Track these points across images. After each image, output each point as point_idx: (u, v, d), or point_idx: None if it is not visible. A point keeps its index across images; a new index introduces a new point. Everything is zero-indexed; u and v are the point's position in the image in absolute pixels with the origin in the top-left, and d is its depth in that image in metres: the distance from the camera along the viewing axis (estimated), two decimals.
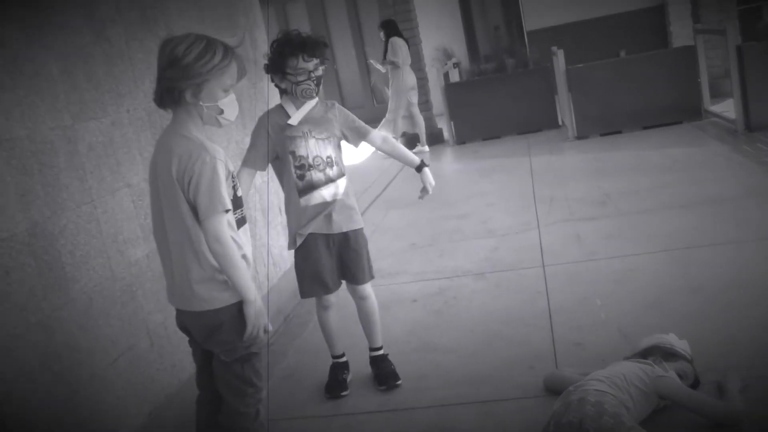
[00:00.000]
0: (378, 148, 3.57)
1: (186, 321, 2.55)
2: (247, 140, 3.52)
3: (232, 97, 2.46)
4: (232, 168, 2.47)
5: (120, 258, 3.22)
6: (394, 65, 9.95)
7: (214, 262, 2.41)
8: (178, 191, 2.36)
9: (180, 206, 2.38)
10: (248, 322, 2.43)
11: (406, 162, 3.60)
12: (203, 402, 2.72)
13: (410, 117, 10.30)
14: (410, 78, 10.17)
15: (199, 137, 2.40)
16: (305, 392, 3.64)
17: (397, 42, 9.99)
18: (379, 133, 3.58)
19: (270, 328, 2.51)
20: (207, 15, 4.56)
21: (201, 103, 2.38)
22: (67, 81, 3.04)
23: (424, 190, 3.58)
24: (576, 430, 2.47)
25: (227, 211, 2.37)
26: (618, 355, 3.20)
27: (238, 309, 2.45)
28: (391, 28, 10.14)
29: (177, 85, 2.33)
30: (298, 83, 3.24)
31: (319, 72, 3.28)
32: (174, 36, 2.39)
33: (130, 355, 3.19)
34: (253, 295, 2.43)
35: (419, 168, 3.57)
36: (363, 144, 3.50)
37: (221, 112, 2.43)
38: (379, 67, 10.36)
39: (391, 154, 3.61)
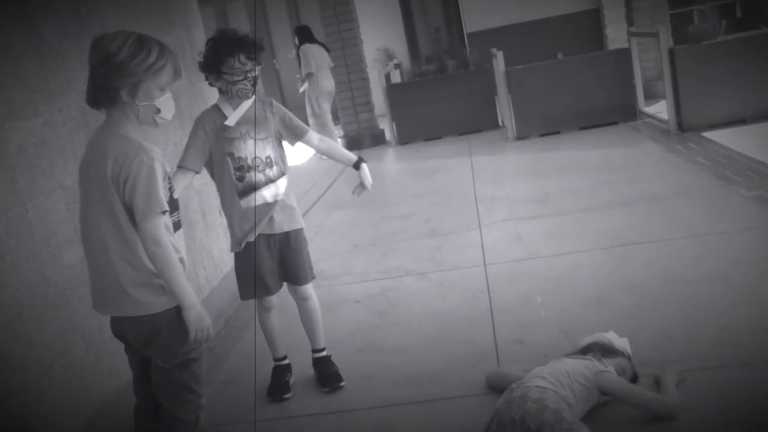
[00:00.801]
0: (315, 149, 3.55)
1: (121, 327, 2.47)
2: (185, 141, 3.44)
3: (168, 95, 2.40)
4: (168, 169, 2.41)
5: (53, 262, 3.12)
6: (308, 75, 9.90)
7: (150, 266, 2.34)
8: (112, 192, 2.29)
9: (114, 208, 2.31)
10: (190, 328, 2.37)
11: (343, 161, 3.59)
12: (141, 410, 2.65)
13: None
14: (327, 83, 10.09)
15: (136, 137, 2.34)
16: (248, 396, 3.58)
17: (307, 49, 9.91)
18: (316, 133, 3.55)
19: (213, 332, 2.45)
20: (143, 12, 4.47)
21: (137, 102, 2.32)
22: None
23: (360, 185, 3.56)
24: (518, 427, 2.49)
25: (164, 212, 2.31)
26: (559, 351, 3.24)
27: (177, 314, 2.39)
28: (302, 35, 10.08)
29: (112, 84, 2.27)
30: (234, 83, 3.18)
31: (255, 72, 3.23)
32: (106, 33, 2.32)
33: (65, 362, 3.09)
34: (192, 299, 2.36)
35: (357, 165, 3.54)
36: (299, 144, 3.48)
37: (158, 111, 2.37)
38: (300, 86, 10.26)
39: (329, 154, 3.60)
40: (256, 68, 3.23)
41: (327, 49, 10.18)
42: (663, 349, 3.27)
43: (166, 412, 2.52)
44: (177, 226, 2.46)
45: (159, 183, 2.29)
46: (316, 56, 9.91)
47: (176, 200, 2.47)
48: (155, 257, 2.29)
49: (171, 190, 2.41)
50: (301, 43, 10.03)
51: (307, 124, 3.74)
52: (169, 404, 2.50)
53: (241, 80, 3.18)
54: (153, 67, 2.29)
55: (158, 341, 2.40)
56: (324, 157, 3.73)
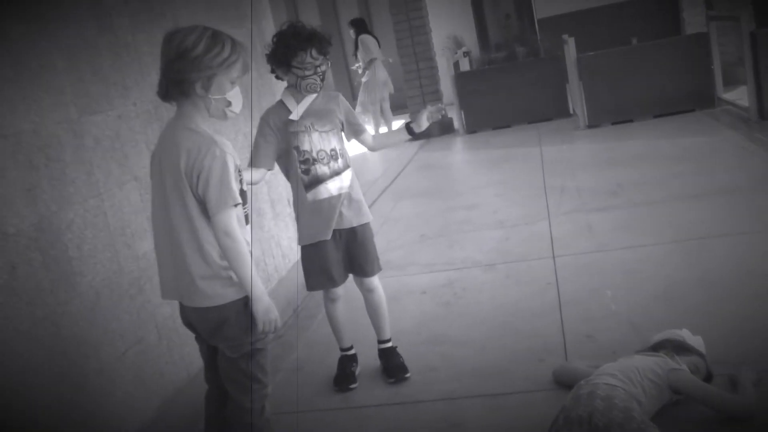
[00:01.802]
0: (369, 148, 3.59)
1: (190, 317, 2.53)
2: (254, 132, 3.49)
3: (237, 89, 2.45)
4: (239, 162, 2.45)
5: (128, 251, 3.21)
6: (370, 62, 10.44)
7: (218, 259, 2.39)
8: (185, 186, 2.34)
9: (186, 201, 2.36)
10: (258, 319, 2.41)
11: (396, 140, 3.67)
12: (212, 397, 2.72)
13: (382, 111, 10.79)
14: (382, 73, 10.64)
15: (207, 131, 2.39)
16: (314, 385, 3.63)
17: (366, 39, 10.46)
18: (369, 134, 3.56)
19: (279, 324, 2.48)
20: (214, 4, 4.54)
21: (210, 95, 2.37)
22: (73, 74, 3.02)
23: (438, 110, 3.50)
24: (585, 424, 2.45)
25: (237, 205, 2.36)
26: (628, 347, 3.17)
27: (244, 305, 2.44)
28: (359, 27, 10.67)
29: (186, 77, 2.31)
30: (304, 77, 3.20)
31: (324, 67, 3.25)
32: (180, 28, 2.37)
33: (138, 349, 3.19)
34: (260, 291, 2.41)
35: (409, 129, 3.51)
36: (354, 141, 3.50)
37: (229, 104, 2.42)
38: (359, 70, 10.87)
39: (383, 146, 3.69)
40: (325, 63, 3.25)
41: (378, 42, 10.69)
42: (739, 347, 3.16)
43: (233, 400, 2.57)
44: (246, 219, 2.50)
45: (232, 176, 2.33)
46: (374, 46, 10.45)
47: (245, 193, 2.51)
48: (227, 249, 2.34)
49: (241, 182, 2.45)
50: (359, 34, 10.58)
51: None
52: (235, 393, 2.55)
53: (311, 75, 3.20)
54: (226, 62, 2.34)
55: (225, 332, 2.45)
56: (381, 150, 3.75)
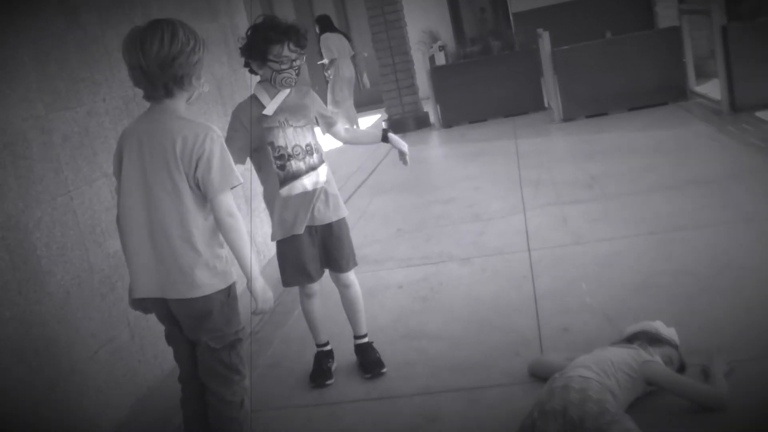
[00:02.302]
0: (341, 140, 3.58)
1: (174, 310, 2.50)
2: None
3: None
4: None
5: (98, 250, 3.17)
6: (332, 62, 10.55)
7: (206, 247, 2.41)
8: (180, 173, 2.35)
9: (180, 189, 2.37)
10: (256, 299, 2.46)
11: (370, 140, 3.62)
12: (188, 401, 2.69)
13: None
14: (347, 70, 10.67)
15: (196, 118, 2.45)
16: (290, 381, 3.61)
17: (327, 39, 10.48)
18: (343, 125, 3.55)
19: (273, 303, 2.53)
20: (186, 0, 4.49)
21: (201, 83, 2.46)
22: (40, 69, 2.97)
23: (401, 154, 3.52)
24: (560, 417, 2.45)
25: (236, 186, 2.42)
26: (604, 339, 3.18)
27: (227, 295, 2.47)
28: (323, 24, 10.65)
29: (187, 72, 2.37)
30: (280, 71, 3.16)
31: (300, 62, 3.22)
32: (141, 27, 2.36)
33: (111, 348, 3.15)
34: (257, 271, 2.45)
35: (385, 138, 3.52)
36: (327, 135, 3.49)
37: (204, 85, 2.52)
38: (325, 68, 10.92)
39: (355, 141, 3.66)
40: (301, 58, 3.22)
41: (348, 38, 10.71)
42: (712, 338, 3.19)
43: (213, 394, 2.57)
44: None
45: (231, 158, 2.39)
46: (337, 44, 10.42)
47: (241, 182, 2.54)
48: (230, 228, 2.38)
49: None
50: (322, 32, 10.56)
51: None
52: (216, 386, 2.55)
53: (287, 69, 3.17)
54: (204, 49, 2.42)
55: (210, 323, 2.46)
56: (351, 145, 3.73)
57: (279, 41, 3.12)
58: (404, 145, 3.52)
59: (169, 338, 2.64)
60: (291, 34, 3.14)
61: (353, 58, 10.74)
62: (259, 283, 2.47)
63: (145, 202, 2.40)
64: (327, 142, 3.58)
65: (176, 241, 2.39)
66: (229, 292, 2.49)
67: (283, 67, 3.15)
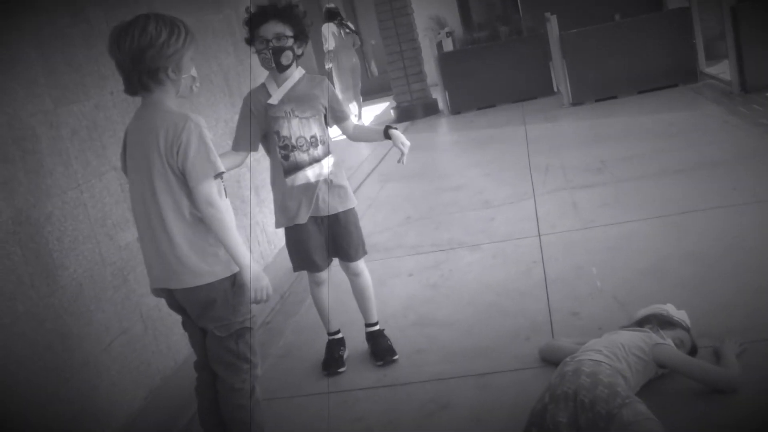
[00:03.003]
0: (348, 136, 3.53)
1: (179, 299, 2.53)
2: (236, 118, 3.46)
3: (194, 66, 2.53)
4: (211, 136, 2.48)
5: (109, 242, 3.19)
6: (328, 53, 10.79)
7: (202, 234, 2.41)
8: (166, 165, 2.36)
9: (170, 180, 2.38)
10: (249, 288, 2.44)
11: (375, 138, 3.50)
12: (203, 389, 2.71)
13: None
14: (347, 61, 10.87)
15: (179, 109, 2.44)
16: (302, 370, 3.62)
17: (324, 30, 10.72)
18: (352, 122, 3.52)
19: (271, 291, 2.50)
20: None
21: (181, 76, 2.43)
22: (46, 65, 2.98)
23: (402, 155, 3.40)
24: (571, 401, 2.45)
25: (218, 175, 2.40)
26: (614, 323, 3.18)
27: (231, 283, 2.48)
28: (327, 16, 10.88)
29: (160, 64, 2.36)
30: (259, 52, 3.17)
31: (283, 42, 3.14)
32: (123, 22, 2.38)
33: (124, 340, 3.17)
34: (248, 259, 2.43)
35: (387, 134, 3.40)
36: (336, 128, 3.47)
37: (194, 80, 2.51)
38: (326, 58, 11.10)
39: (361, 138, 3.60)
40: (285, 39, 3.14)
41: (352, 29, 10.97)
42: (723, 319, 3.18)
43: (222, 382, 2.59)
44: (224, 192, 2.53)
45: (211, 147, 2.38)
46: (334, 35, 10.66)
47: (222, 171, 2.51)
48: (211, 218, 2.37)
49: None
50: (325, 22, 10.86)
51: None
52: (225, 374, 2.57)
53: (263, 49, 3.15)
54: (186, 41, 2.41)
55: (214, 311, 2.47)
56: (358, 142, 3.69)
57: (256, 24, 3.13)
58: (405, 145, 3.35)
59: (184, 325, 2.67)
60: (266, 14, 3.13)
61: (359, 47, 10.83)
62: (252, 272, 2.44)
63: (146, 195, 2.43)
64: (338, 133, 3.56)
65: (174, 231, 2.40)
66: (234, 280, 2.49)
67: (260, 47, 3.15)
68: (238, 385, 2.58)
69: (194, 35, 2.48)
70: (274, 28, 3.13)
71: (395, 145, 3.39)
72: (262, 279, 2.47)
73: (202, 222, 2.41)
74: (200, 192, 2.35)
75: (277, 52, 3.15)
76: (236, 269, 2.47)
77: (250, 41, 3.20)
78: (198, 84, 2.54)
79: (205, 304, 2.47)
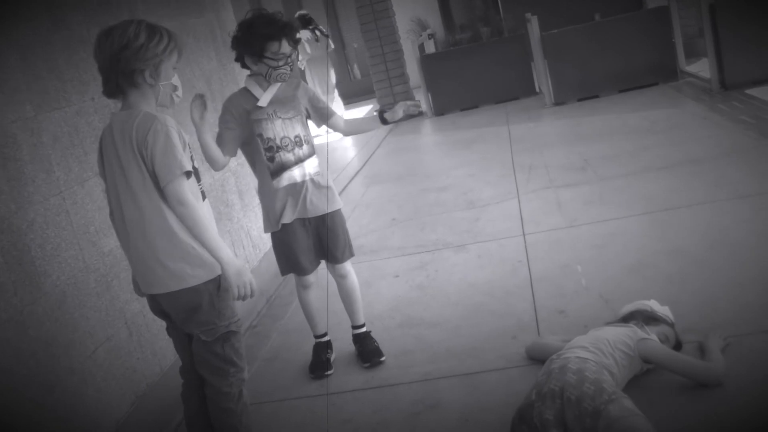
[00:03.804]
0: (340, 131, 3.53)
1: (164, 304, 2.52)
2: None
3: (176, 75, 2.51)
4: (187, 139, 2.47)
5: (93, 249, 3.17)
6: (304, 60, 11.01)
7: (185, 238, 2.39)
8: (142, 167, 2.35)
9: (146, 182, 2.37)
10: (231, 284, 2.41)
11: (371, 126, 3.54)
12: (189, 395, 2.70)
13: None
14: (320, 66, 11.01)
15: (149, 111, 2.42)
16: (290, 373, 3.62)
17: (302, 36, 10.86)
18: (341, 117, 3.52)
19: (255, 287, 2.46)
20: None
21: (159, 82, 2.41)
22: (27, 71, 2.96)
23: (416, 106, 3.37)
24: (558, 398, 2.46)
25: (188, 173, 2.38)
26: (600, 320, 3.20)
27: (216, 287, 2.47)
28: (303, 23, 10.96)
29: (136, 67, 2.35)
30: (276, 68, 3.17)
31: (294, 56, 3.24)
32: (111, 25, 2.38)
33: (109, 346, 3.15)
34: (228, 255, 2.41)
35: (383, 119, 3.43)
36: (324, 127, 3.47)
37: (175, 89, 2.49)
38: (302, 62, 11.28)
39: (356, 131, 3.60)
40: (295, 52, 3.22)
41: (325, 34, 11.06)
42: (707, 314, 3.21)
43: (210, 386, 2.58)
44: (202, 195, 2.52)
45: (175, 146, 2.35)
46: (310, 42, 10.77)
47: (197, 170, 2.52)
48: (184, 217, 2.36)
49: (192, 159, 2.47)
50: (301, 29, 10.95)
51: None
52: (212, 378, 2.57)
53: (283, 65, 3.17)
54: (167, 48, 2.40)
55: (199, 316, 2.46)
56: (353, 135, 3.68)
57: (276, 38, 3.13)
58: (400, 108, 3.37)
59: (168, 331, 2.67)
60: (287, 30, 3.15)
61: (332, 51, 11.04)
62: (233, 267, 2.40)
63: (123, 200, 2.42)
64: (319, 134, 3.55)
65: (153, 235, 2.39)
66: (219, 283, 2.47)
67: (280, 63, 3.16)
68: (225, 389, 2.58)
69: (181, 47, 2.47)
70: (291, 43, 3.17)
71: (398, 114, 3.37)
72: (245, 274, 2.43)
73: (183, 224, 2.39)
74: (170, 191, 2.34)
75: (293, 65, 3.22)
76: (219, 272, 2.45)
77: (253, 52, 3.16)
78: (180, 94, 2.52)
79: (190, 308, 2.46)
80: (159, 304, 2.55)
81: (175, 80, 2.49)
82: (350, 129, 3.57)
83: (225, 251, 2.40)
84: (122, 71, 2.34)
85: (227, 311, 2.52)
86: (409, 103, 3.40)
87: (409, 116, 3.46)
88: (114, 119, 2.46)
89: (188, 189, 2.38)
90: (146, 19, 2.43)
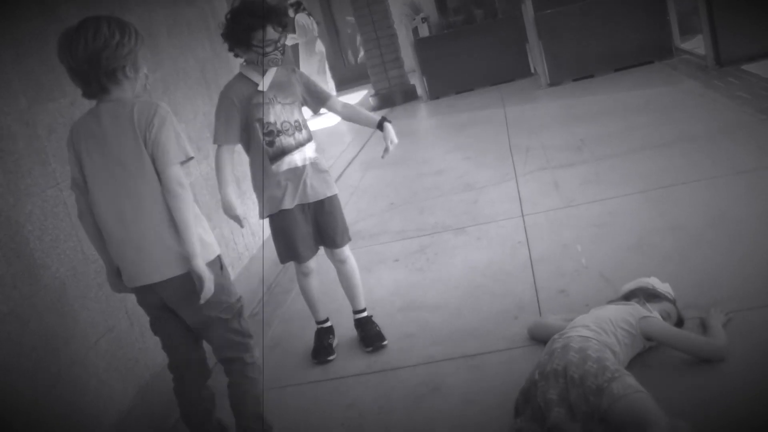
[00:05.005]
0: (339, 114, 3.50)
1: (167, 293, 2.47)
2: (213, 111, 3.42)
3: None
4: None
5: None
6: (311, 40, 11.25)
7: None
8: (143, 153, 2.35)
9: (146, 170, 2.37)
10: (201, 276, 2.37)
11: (367, 123, 3.53)
12: (183, 387, 2.70)
13: None
14: (312, 48, 11.29)
15: (144, 98, 2.45)
16: (292, 360, 3.62)
17: (299, 20, 11.08)
18: (339, 99, 3.50)
19: (212, 289, 2.43)
20: None
21: (137, 75, 2.44)
22: (20, 63, 2.94)
23: (385, 149, 3.44)
24: (561, 377, 2.47)
25: (189, 159, 2.43)
26: (601, 299, 3.20)
27: (219, 266, 2.52)
28: (296, 8, 11.27)
29: (117, 64, 2.36)
30: (266, 54, 3.15)
31: (284, 40, 3.21)
32: (71, 27, 2.35)
33: (110, 337, 3.15)
34: (198, 248, 2.38)
35: (381, 126, 3.45)
36: (322, 110, 3.46)
37: (147, 78, 2.52)
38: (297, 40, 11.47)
39: (352, 119, 3.55)
40: (285, 35, 3.21)
41: (312, 18, 11.42)
42: (708, 290, 3.21)
43: (235, 363, 2.63)
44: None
45: (180, 133, 2.40)
46: (308, 24, 11.08)
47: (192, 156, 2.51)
48: (178, 197, 2.36)
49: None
50: (295, 12, 11.22)
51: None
52: (237, 354, 2.62)
53: (272, 51, 3.15)
54: (137, 40, 2.42)
55: (214, 295, 2.45)
56: (348, 122, 3.65)
57: (260, 26, 3.10)
58: (394, 142, 3.43)
59: (157, 326, 2.63)
60: (271, 16, 3.11)
61: (360, 28, 11.01)
62: (201, 264, 2.38)
63: (117, 194, 2.39)
64: (315, 122, 3.54)
65: (159, 221, 2.39)
66: (221, 263, 2.53)
67: (268, 50, 3.14)
68: (249, 360, 2.65)
69: (143, 36, 2.48)
70: (278, 28, 3.15)
71: (385, 139, 3.41)
72: (208, 272, 2.42)
73: (178, 206, 2.38)
74: (173, 173, 2.36)
75: (284, 50, 3.22)
76: (218, 251, 2.50)
77: (240, 41, 3.15)
78: (150, 81, 2.56)
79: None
80: (155, 296, 2.51)
81: (146, 69, 2.52)
82: (348, 114, 3.53)
83: (197, 244, 2.39)
84: (104, 71, 2.34)
85: (232, 288, 2.59)
86: (391, 144, 3.42)
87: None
88: (95, 115, 2.42)
89: (186, 175, 2.43)
90: (106, 14, 2.42)
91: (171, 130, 2.37)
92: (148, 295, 2.53)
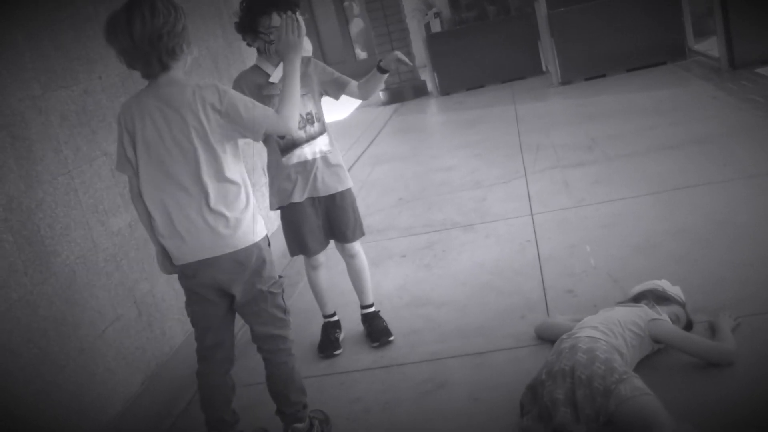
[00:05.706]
0: (358, 97, 3.44)
1: (221, 271, 2.48)
2: None
3: None
4: None
5: (101, 228, 3.17)
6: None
7: (249, 196, 2.49)
8: (207, 129, 2.37)
9: (212, 146, 2.39)
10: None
11: (378, 82, 3.40)
12: (209, 368, 2.67)
13: None
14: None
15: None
16: (298, 353, 3.56)
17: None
18: (354, 82, 3.45)
19: None
20: None
21: (190, 48, 2.46)
22: (34, 49, 2.94)
23: (399, 62, 3.28)
24: (568, 377, 2.46)
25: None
26: (609, 300, 3.20)
27: (267, 243, 2.57)
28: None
29: (177, 42, 2.38)
30: (271, 42, 3.13)
31: None
32: (120, 10, 2.33)
33: (119, 326, 3.16)
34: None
35: (380, 69, 3.32)
36: (343, 96, 3.41)
37: (191, 53, 2.52)
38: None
39: (369, 92, 3.41)
40: None
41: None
42: (717, 294, 3.20)
43: (275, 340, 2.66)
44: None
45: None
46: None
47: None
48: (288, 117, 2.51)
49: None
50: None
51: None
52: (278, 331, 2.66)
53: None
54: (185, 15, 2.42)
55: (265, 270, 2.53)
56: (365, 99, 3.57)
57: (265, 12, 3.08)
58: (394, 57, 3.29)
59: (195, 306, 2.59)
60: (275, 4, 3.09)
61: (372, 22, 10.86)
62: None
63: (176, 171, 2.40)
64: (330, 115, 3.50)
65: (224, 196, 2.42)
66: (269, 241, 2.59)
67: (272, 37, 3.12)
68: (291, 336, 2.71)
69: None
70: (280, 17, 3.08)
71: (392, 66, 3.30)
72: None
73: (247, 182, 2.49)
74: (277, 122, 2.47)
75: None
76: (266, 231, 2.58)
77: (247, 29, 3.14)
78: (194, 54, 2.57)
79: (259, 263, 2.52)
80: (205, 275, 2.49)
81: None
82: (364, 92, 3.42)
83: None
84: (166, 49, 2.34)
85: (274, 265, 2.62)
86: (400, 54, 3.33)
87: (400, 62, 3.33)
88: (152, 95, 2.41)
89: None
90: None
91: (243, 98, 2.44)
92: (198, 273, 2.50)
